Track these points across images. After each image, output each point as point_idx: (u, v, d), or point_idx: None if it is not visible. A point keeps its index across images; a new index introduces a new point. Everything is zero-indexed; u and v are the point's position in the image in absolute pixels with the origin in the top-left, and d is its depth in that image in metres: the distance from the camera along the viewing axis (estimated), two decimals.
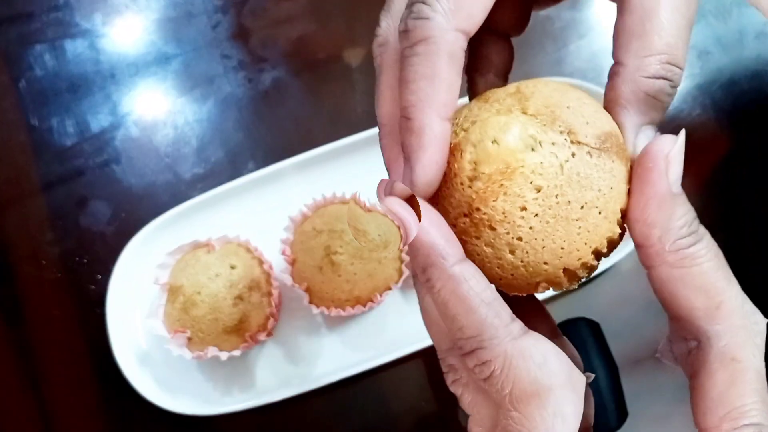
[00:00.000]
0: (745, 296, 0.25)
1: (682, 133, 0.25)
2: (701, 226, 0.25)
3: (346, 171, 0.66)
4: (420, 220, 0.25)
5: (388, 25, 0.30)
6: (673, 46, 0.25)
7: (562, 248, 0.25)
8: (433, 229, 0.25)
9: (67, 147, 0.70)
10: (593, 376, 0.30)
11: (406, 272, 0.61)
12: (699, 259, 0.24)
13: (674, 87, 0.26)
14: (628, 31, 0.25)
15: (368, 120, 0.68)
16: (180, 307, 0.58)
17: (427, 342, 0.61)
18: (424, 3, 0.25)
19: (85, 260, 0.67)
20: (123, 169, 0.69)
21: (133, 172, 0.69)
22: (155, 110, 0.71)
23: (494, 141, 0.25)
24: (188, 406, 0.60)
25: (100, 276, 0.65)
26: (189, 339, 0.59)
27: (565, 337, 0.32)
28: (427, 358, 0.63)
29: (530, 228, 0.25)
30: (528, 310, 0.30)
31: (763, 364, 0.25)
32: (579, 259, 0.26)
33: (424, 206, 0.25)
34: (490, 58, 0.33)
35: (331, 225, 0.60)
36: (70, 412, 0.64)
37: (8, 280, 0.67)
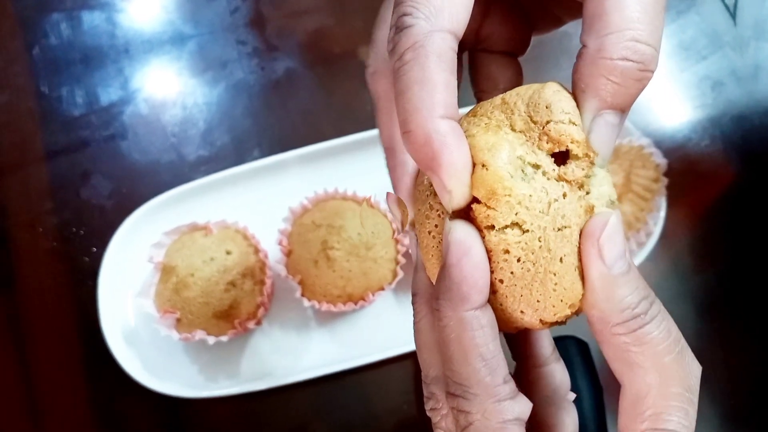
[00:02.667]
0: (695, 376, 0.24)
1: (615, 215, 0.24)
2: (654, 304, 0.24)
3: (351, 167, 0.66)
4: (464, 255, 0.24)
5: (377, 53, 0.30)
6: (637, 20, 0.23)
7: (538, 301, 0.25)
8: (469, 268, 0.24)
9: (74, 117, 0.70)
10: (574, 395, 0.30)
11: (401, 274, 0.60)
12: (643, 346, 0.23)
13: (644, 70, 0.23)
14: (590, 13, 0.24)
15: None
16: (172, 287, 0.58)
17: (414, 346, 0.61)
18: (405, 14, 0.24)
19: (81, 232, 0.67)
20: (128, 145, 0.69)
21: (138, 149, 0.69)
22: (166, 89, 0.71)
23: (483, 165, 0.24)
24: (171, 387, 0.60)
25: (95, 249, 0.65)
26: (178, 320, 0.59)
27: (560, 362, 0.32)
28: (413, 361, 0.63)
29: (511, 273, 0.25)
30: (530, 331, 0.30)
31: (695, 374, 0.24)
32: (555, 314, 0.25)
33: (474, 243, 0.24)
34: (493, 77, 0.32)
35: (330, 220, 0.60)
36: (54, 381, 0.64)
37: (3, 245, 0.66)
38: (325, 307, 0.59)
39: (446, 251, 0.24)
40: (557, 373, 0.32)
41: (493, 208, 0.24)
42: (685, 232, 0.67)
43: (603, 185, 0.26)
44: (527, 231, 0.24)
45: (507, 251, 0.24)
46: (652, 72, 0.24)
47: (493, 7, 0.31)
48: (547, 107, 0.25)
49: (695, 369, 0.24)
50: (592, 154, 0.25)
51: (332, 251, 0.58)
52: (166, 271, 0.59)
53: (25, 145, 0.69)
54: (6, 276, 0.66)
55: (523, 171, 0.25)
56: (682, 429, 0.23)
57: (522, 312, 0.25)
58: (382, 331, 0.64)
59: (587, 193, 0.25)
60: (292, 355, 0.63)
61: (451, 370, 0.25)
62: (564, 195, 0.24)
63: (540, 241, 0.24)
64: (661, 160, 0.64)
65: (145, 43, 0.72)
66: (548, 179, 0.25)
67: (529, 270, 0.24)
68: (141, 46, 0.72)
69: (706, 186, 0.70)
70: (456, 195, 0.24)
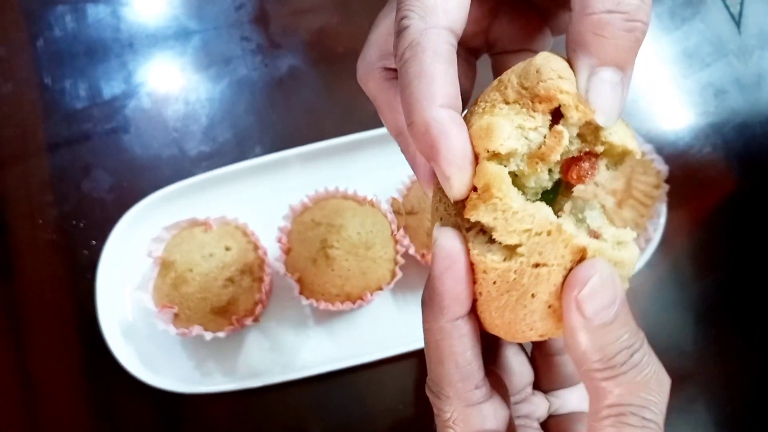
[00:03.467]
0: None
1: (598, 274, 0.23)
2: (637, 353, 0.24)
3: (352, 167, 0.66)
4: (447, 268, 0.25)
5: (364, 56, 0.32)
6: None
7: (509, 323, 0.25)
8: (451, 282, 0.25)
9: (77, 110, 0.70)
10: None
11: (399, 274, 0.60)
12: (617, 388, 0.23)
13: (631, 20, 0.23)
14: None
15: (379, 119, 0.68)
16: (170, 282, 0.58)
17: (411, 347, 0.61)
18: (403, 18, 0.25)
19: (81, 225, 0.67)
20: (130, 139, 0.69)
21: (139, 143, 0.69)
22: (169, 84, 0.71)
23: (487, 150, 0.24)
24: (167, 382, 0.60)
25: (94, 242, 0.65)
26: (175, 315, 0.59)
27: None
28: (409, 362, 0.63)
29: (487, 291, 0.25)
30: None
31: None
32: (525, 338, 0.26)
33: (458, 258, 0.25)
34: None
35: (330, 219, 0.60)
36: (50, 372, 0.64)
37: (2, 236, 0.66)
38: (323, 305, 0.59)
39: (432, 260, 0.25)
40: (570, 364, 0.33)
41: (482, 201, 0.24)
42: (685, 238, 0.67)
43: (618, 132, 0.25)
44: (506, 258, 0.24)
45: (485, 271, 0.25)
46: (642, 22, 0.24)
47: (502, 10, 0.32)
48: (537, 72, 0.25)
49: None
50: (581, 106, 0.24)
51: (331, 250, 0.58)
52: (165, 265, 0.59)
53: (26, 136, 0.69)
54: (5, 267, 0.66)
55: (527, 140, 0.25)
56: (649, 404, 0.23)
57: (497, 325, 0.26)
58: (380, 331, 0.64)
59: (597, 232, 0.25)
60: (289, 353, 0.63)
61: (429, 369, 0.26)
62: (548, 232, 0.24)
63: (515, 273, 0.24)
64: (662, 167, 0.64)
65: (150, 37, 0.72)
66: (548, 206, 0.25)
67: (502, 295, 0.25)
68: (145, 41, 0.72)
69: (706, 193, 0.70)
70: (455, 182, 0.24)
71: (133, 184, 0.67)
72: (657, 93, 0.73)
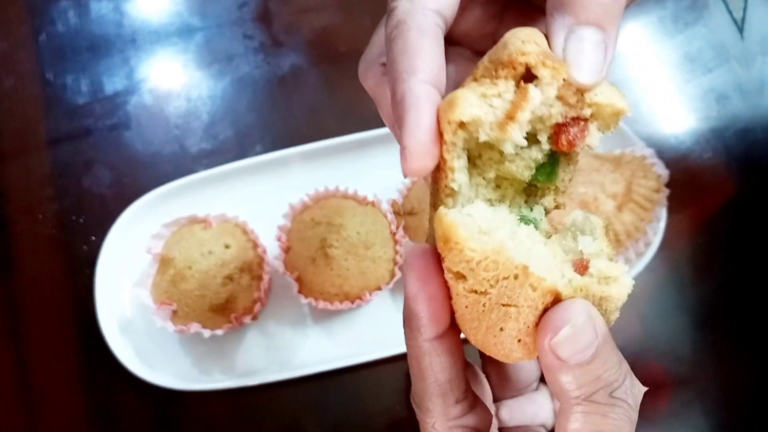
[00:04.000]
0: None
1: (566, 328, 0.23)
2: (617, 390, 0.24)
3: (352, 166, 0.66)
4: (420, 289, 0.25)
5: (366, 55, 0.32)
6: None
7: (483, 344, 0.26)
8: (422, 303, 0.25)
9: (78, 105, 0.70)
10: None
11: (399, 274, 0.60)
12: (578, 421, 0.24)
13: None
14: None
15: (380, 118, 0.68)
16: (169, 279, 0.58)
17: None
18: (392, 1, 0.26)
19: (81, 220, 0.67)
20: (131, 135, 0.69)
21: (140, 139, 0.69)
22: (171, 81, 0.71)
23: (449, 122, 0.23)
24: (165, 378, 0.60)
25: (94, 238, 0.65)
26: (174, 312, 0.59)
27: None
28: (407, 362, 0.63)
29: (461, 312, 0.25)
30: None
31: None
32: (501, 359, 0.26)
33: (425, 277, 0.25)
34: None
35: (329, 218, 0.60)
36: (49, 368, 0.64)
37: (2, 230, 0.66)
38: (321, 304, 0.59)
39: (404, 280, 0.26)
40: None
41: (447, 250, 0.24)
42: (685, 243, 0.67)
43: (604, 93, 0.24)
44: (473, 292, 0.24)
45: (458, 294, 0.25)
46: None
47: (508, 13, 0.32)
48: (504, 44, 0.25)
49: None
50: (549, 62, 0.23)
51: (331, 249, 0.58)
52: (164, 262, 0.59)
53: (28, 131, 0.69)
54: (4, 261, 0.66)
55: (492, 107, 0.24)
56: (618, 384, 0.24)
57: (473, 341, 0.26)
58: (378, 330, 0.64)
59: (595, 264, 0.25)
60: (287, 351, 0.63)
61: (412, 382, 0.27)
62: (515, 276, 0.23)
63: (484, 306, 0.24)
64: (663, 171, 0.64)
65: (152, 33, 0.72)
66: (521, 228, 0.25)
67: (474, 319, 0.25)
68: (148, 37, 0.72)
69: (706, 198, 0.70)
70: (408, 154, 0.24)
71: (134, 180, 0.67)
72: (658, 97, 0.73)
